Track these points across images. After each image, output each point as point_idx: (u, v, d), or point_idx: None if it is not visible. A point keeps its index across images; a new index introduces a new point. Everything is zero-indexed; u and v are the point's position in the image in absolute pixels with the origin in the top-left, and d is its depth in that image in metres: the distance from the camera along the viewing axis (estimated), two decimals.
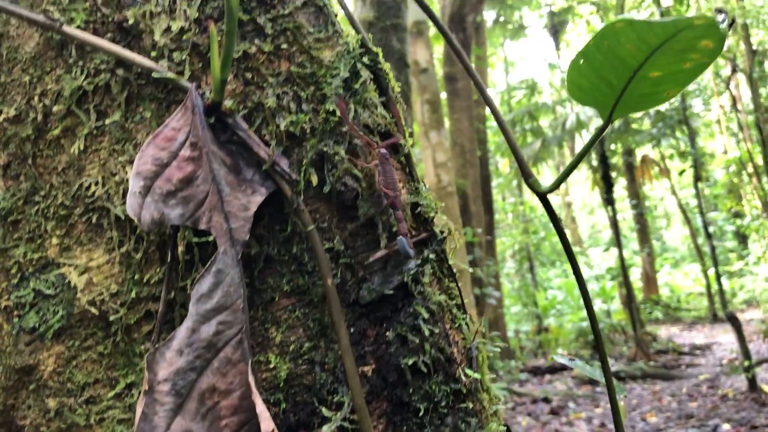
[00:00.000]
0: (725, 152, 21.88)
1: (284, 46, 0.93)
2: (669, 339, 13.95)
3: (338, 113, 0.92)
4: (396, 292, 0.90)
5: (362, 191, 0.92)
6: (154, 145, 0.85)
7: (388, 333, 0.89)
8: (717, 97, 20.22)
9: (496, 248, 13.69)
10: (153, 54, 0.90)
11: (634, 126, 15.13)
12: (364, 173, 0.92)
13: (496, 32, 19.72)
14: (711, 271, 16.07)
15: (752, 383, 8.12)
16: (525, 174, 1.04)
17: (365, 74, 0.97)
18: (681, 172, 16.91)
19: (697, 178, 14.49)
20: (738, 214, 20.64)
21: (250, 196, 0.86)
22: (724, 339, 13.23)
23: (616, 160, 16.49)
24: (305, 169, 0.90)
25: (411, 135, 1.07)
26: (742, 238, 21.03)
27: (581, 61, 0.90)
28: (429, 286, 0.93)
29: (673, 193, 17.85)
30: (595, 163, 13.08)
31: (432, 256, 0.95)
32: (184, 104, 0.86)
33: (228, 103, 0.88)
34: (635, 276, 20.07)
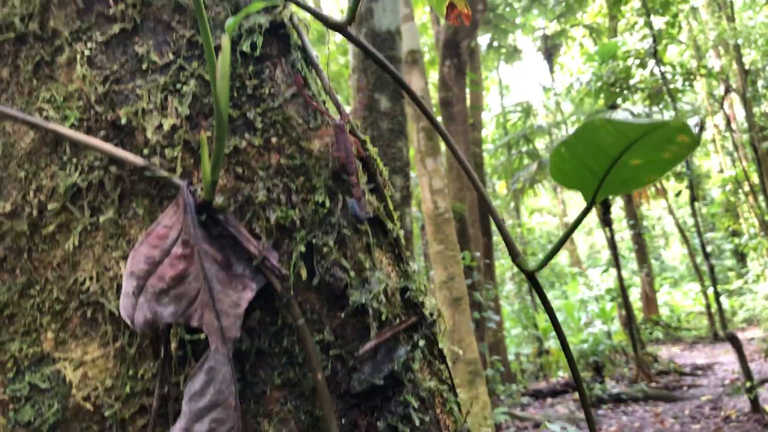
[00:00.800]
0: (721, 171, 21.99)
1: (274, 139, 0.95)
2: (670, 359, 13.89)
3: (327, 204, 0.94)
4: (386, 380, 0.91)
5: (351, 280, 0.93)
6: (147, 244, 0.87)
7: (379, 423, 0.90)
8: (711, 117, 20.38)
9: (494, 271, 13.69)
10: (145, 151, 0.92)
11: None
12: (353, 262, 0.94)
13: (490, 56, 19.91)
14: (710, 290, 16.05)
15: (755, 404, 8.08)
16: (513, 253, 1.06)
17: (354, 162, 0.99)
18: (678, 193, 16.97)
19: (694, 198, 14.53)
20: (736, 233, 20.68)
21: (240, 293, 0.87)
22: (726, 359, 13.18)
23: None
24: (295, 262, 0.92)
25: (401, 218, 1.09)
26: (740, 256, 21.06)
27: (563, 149, 0.93)
28: (419, 372, 0.95)
29: (671, 213, 17.89)
30: None
31: (422, 342, 0.97)
32: (176, 202, 0.88)
33: (219, 199, 0.90)
34: (635, 296, 20.04)
